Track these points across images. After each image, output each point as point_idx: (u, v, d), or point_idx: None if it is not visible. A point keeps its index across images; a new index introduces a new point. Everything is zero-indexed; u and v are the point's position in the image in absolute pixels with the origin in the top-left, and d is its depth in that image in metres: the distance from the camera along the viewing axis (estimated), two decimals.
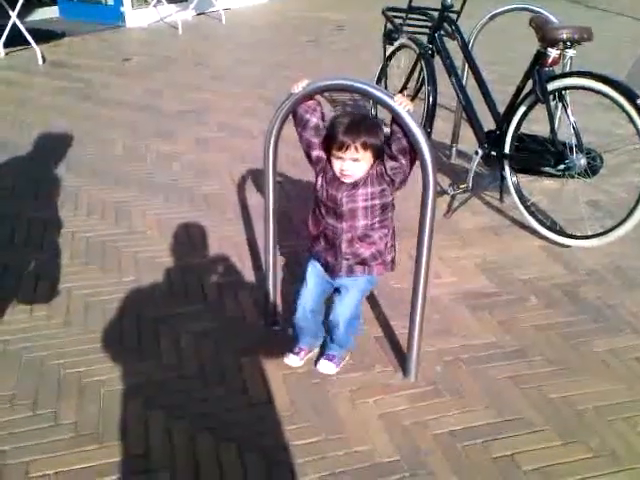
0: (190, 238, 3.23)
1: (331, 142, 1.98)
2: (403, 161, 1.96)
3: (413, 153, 1.96)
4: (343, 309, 2.19)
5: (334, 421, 2.11)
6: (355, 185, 2.01)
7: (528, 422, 2.12)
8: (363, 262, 2.11)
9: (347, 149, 1.94)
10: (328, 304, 2.29)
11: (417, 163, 1.99)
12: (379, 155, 1.99)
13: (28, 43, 6.41)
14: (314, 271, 2.23)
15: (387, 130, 2.02)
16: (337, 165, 1.99)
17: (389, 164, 1.97)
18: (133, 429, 2.06)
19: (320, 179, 2.09)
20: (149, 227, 3.32)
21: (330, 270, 2.16)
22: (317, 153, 2.08)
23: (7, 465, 1.92)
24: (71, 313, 2.62)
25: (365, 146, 1.94)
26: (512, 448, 2.01)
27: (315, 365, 2.34)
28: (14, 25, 6.37)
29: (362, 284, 2.19)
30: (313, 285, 2.23)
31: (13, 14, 6.33)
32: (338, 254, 2.10)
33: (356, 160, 1.96)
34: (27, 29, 6.43)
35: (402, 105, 1.92)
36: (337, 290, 2.23)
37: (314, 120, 2.07)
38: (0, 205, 3.51)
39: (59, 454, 1.96)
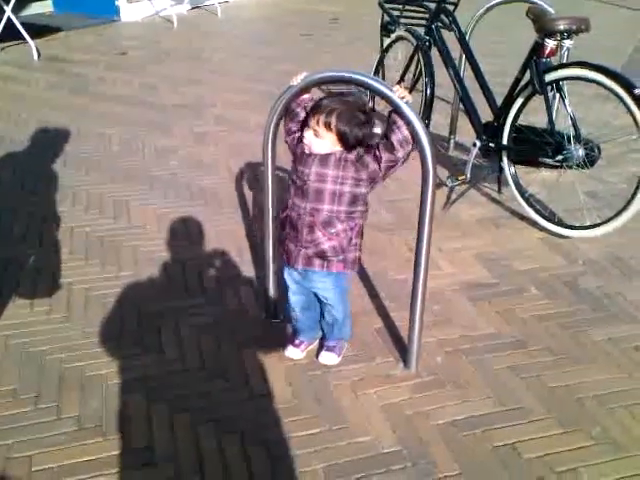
0: (189, 232, 3.23)
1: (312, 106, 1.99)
2: (400, 154, 1.94)
3: (412, 145, 1.95)
4: (333, 312, 2.23)
5: (336, 412, 2.12)
6: (325, 163, 1.96)
7: (529, 411, 2.13)
8: (322, 255, 2.05)
9: (312, 116, 1.94)
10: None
11: (414, 155, 1.98)
12: (345, 144, 1.94)
13: (23, 38, 6.37)
14: (290, 277, 2.21)
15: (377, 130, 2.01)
16: (304, 131, 1.99)
17: (386, 155, 1.95)
18: (136, 422, 2.06)
19: (295, 158, 2.07)
20: (148, 222, 3.32)
21: (288, 258, 2.13)
22: (293, 136, 2.09)
23: (11, 459, 1.92)
24: (71, 308, 2.62)
25: (327, 126, 1.91)
26: (513, 437, 2.03)
27: (317, 357, 2.35)
28: (9, 20, 6.34)
29: (331, 285, 2.15)
30: (293, 291, 2.24)
31: (8, 9, 6.30)
32: (298, 241, 2.06)
33: (316, 134, 1.94)
34: (22, 24, 6.39)
35: (401, 96, 1.92)
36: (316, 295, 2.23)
37: (302, 114, 2.09)
38: None
39: (62, 447, 1.96)
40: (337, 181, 1.97)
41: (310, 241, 2.03)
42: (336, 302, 2.21)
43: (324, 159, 1.97)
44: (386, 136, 1.96)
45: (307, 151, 1.99)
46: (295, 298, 2.25)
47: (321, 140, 1.95)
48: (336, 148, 1.96)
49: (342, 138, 1.93)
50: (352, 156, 1.97)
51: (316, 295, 2.23)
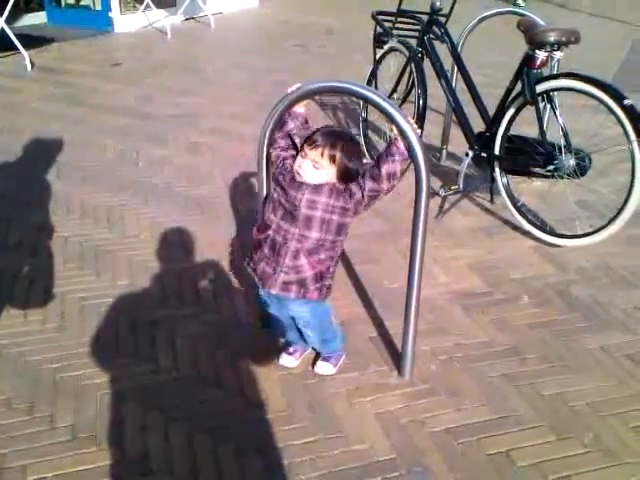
0: (184, 242, 3.24)
1: (308, 138, 1.98)
2: (384, 186, 1.97)
3: (397, 180, 1.98)
4: (309, 333, 2.20)
5: (331, 421, 2.12)
6: (319, 191, 1.96)
7: (522, 419, 2.14)
8: (302, 282, 2.02)
9: (314, 148, 1.93)
10: None
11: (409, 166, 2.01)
12: (344, 177, 1.97)
13: (16, 49, 6.38)
14: (266, 298, 2.17)
15: (366, 160, 2.04)
16: (298, 161, 1.97)
17: (370, 185, 1.97)
18: (131, 431, 2.06)
19: (280, 179, 2.05)
20: (142, 231, 3.32)
21: (263, 282, 2.08)
22: (277, 152, 2.10)
23: (5, 469, 1.91)
24: (66, 317, 2.62)
25: (332, 159, 1.93)
26: (507, 445, 2.04)
27: (312, 367, 2.35)
28: (2, 30, 6.34)
29: (309, 314, 2.12)
30: (273, 310, 2.20)
31: (1, 20, 6.31)
32: (277, 265, 2.02)
33: (316, 166, 1.94)
34: (15, 35, 6.41)
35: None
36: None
37: (291, 125, 2.12)
38: None
39: (57, 457, 1.96)
40: (327, 209, 1.98)
41: (292, 267, 2.01)
42: (314, 328, 2.19)
43: (318, 187, 1.98)
44: (378, 163, 1.98)
45: (298, 179, 1.99)
46: (277, 316, 2.22)
47: (319, 172, 1.95)
48: (331, 180, 1.98)
49: (344, 171, 1.95)
50: (342, 187, 1.99)
51: (293, 318, 2.19)
